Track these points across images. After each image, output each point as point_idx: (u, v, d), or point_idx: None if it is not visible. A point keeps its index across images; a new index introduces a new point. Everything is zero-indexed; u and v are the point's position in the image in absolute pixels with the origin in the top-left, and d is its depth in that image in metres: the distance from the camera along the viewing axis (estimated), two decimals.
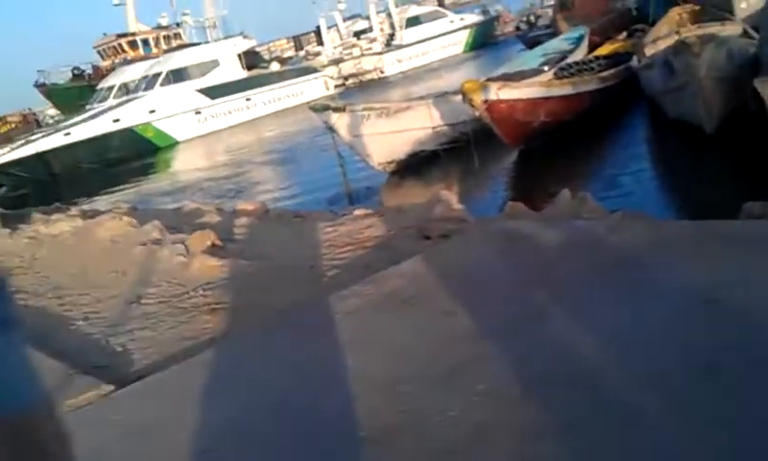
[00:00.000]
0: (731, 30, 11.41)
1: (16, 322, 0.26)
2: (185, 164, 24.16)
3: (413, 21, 40.79)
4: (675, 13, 15.38)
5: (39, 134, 28.49)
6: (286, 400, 2.96)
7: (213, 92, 31.41)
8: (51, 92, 42.68)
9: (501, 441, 2.31)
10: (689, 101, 9.01)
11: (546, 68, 14.92)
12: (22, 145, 26.94)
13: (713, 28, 12.16)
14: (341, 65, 37.92)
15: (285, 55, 51.72)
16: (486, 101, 10.44)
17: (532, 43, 24.34)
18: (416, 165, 12.02)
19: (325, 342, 3.42)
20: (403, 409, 2.62)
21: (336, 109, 11.83)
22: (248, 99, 32.42)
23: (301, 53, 48.69)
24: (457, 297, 3.51)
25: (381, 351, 3.17)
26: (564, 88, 11.92)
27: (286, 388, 3.06)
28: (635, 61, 12.38)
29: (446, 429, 2.44)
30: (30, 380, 0.25)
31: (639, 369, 2.52)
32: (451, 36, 41.44)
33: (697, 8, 15.30)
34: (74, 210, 10.19)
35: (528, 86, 11.57)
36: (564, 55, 16.56)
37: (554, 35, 22.84)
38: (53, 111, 46.03)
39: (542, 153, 10.79)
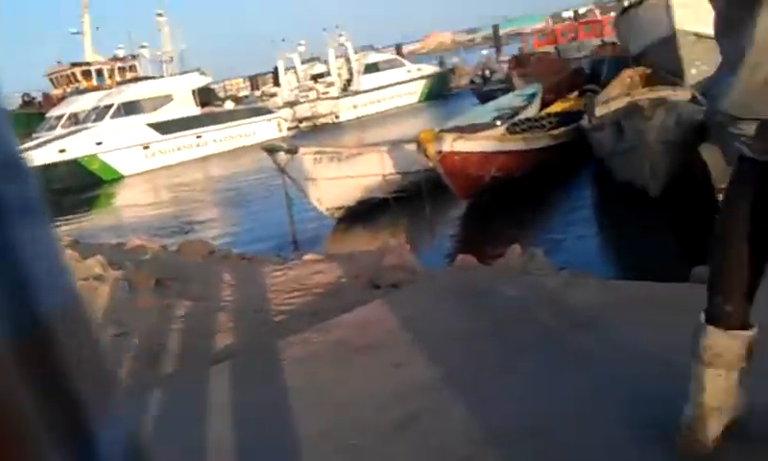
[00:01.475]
0: (680, 95, 11.69)
1: (41, 209, 0.23)
2: (130, 199, 23.75)
3: (371, 68, 41.03)
4: (626, 76, 15.72)
5: None
6: (225, 451, 2.84)
7: (163, 127, 31.05)
8: None
9: None
10: (637, 163, 9.16)
11: (499, 123, 15.10)
12: None
13: (664, 92, 12.41)
14: (296, 108, 37.92)
15: (241, 94, 51.62)
16: (440, 151, 10.49)
17: (486, 97, 24.61)
18: (365, 212, 11.97)
19: (271, 390, 3.32)
20: None
21: (288, 151, 11.76)
22: (198, 136, 32.11)
23: (257, 93, 48.65)
24: (407, 348, 3.45)
25: (329, 401, 3.08)
26: (517, 144, 12.06)
27: (226, 438, 2.94)
28: (585, 121, 12.56)
29: None
30: (61, 277, 0.22)
31: (592, 432, 2.47)
32: (408, 85, 41.76)
33: (648, 71, 15.68)
34: None
35: (482, 140, 11.68)
36: (517, 111, 16.81)
37: (508, 90, 23.15)
38: None
39: (492, 207, 10.84)
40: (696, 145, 8.21)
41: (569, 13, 58.42)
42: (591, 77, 20.71)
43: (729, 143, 2.08)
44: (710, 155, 7.82)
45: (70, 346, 0.25)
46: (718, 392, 2.08)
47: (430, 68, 44.81)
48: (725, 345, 2.07)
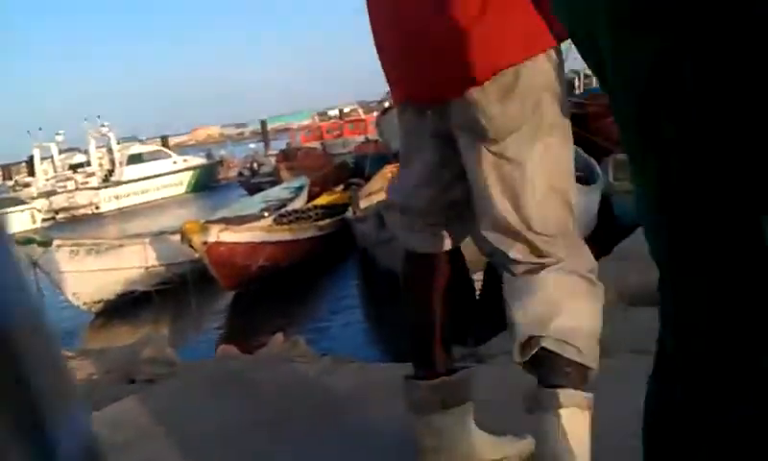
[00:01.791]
0: None
1: None
2: None
3: (135, 159, 39.98)
4: (388, 171, 16.42)
5: None
6: None
7: None
8: None
9: None
10: (397, 253, 9.54)
11: (266, 214, 15.21)
12: None
13: None
14: (52, 198, 35.95)
15: None
16: (206, 242, 10.38)
17: (254, 189, 24.77)
18: (126, 306, 11.47)
19: None
20: None
21: (41, 244, 11.10)
22: None
23: (9, 182, 45.75)
24: (160, 445, 3.27)
25: None
26: (283, 234, 12.20)
27: None
28: (350, 213, 12.97)
29: None
30: (13, 288, 0.19)
31: None
32: (174, 176, 41.03)
33: None
34: None
35: (248, 231, 11.70)
36: (285, 202, 17.05)
37: (276, 183, 23.47)
38: None
39: (259, 297, 10.81)
40: None
41: (335, 112, 60.69)
42: (356, 171, 21.50)
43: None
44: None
45: (30, 350, 0.25)
46: (423, 434, 2.28)
47: (197, 160, 44.47)
48: (415, 394, 2.30)
